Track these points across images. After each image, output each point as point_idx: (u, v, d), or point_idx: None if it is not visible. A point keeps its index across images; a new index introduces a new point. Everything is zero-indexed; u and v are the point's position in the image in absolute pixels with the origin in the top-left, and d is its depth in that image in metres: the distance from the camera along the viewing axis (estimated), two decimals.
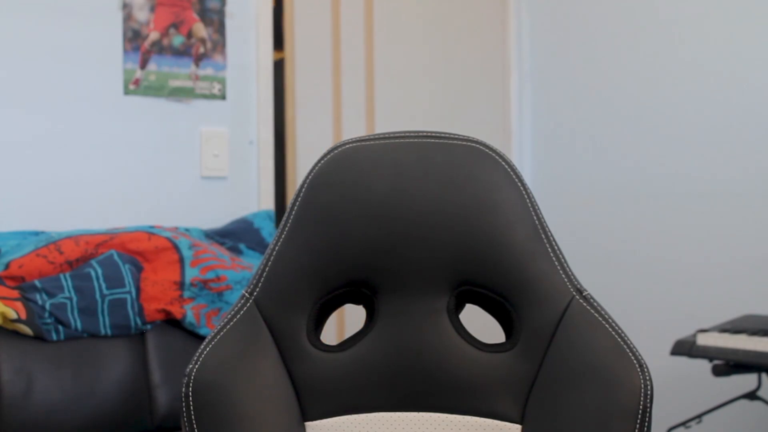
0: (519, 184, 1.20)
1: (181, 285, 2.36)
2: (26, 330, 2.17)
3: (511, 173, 1.20)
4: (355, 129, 3.14)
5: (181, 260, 2.39)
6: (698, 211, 2.79)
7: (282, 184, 3.22)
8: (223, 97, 2.80)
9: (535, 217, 1.19)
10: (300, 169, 3.08)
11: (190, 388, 1.13)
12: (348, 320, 3.08)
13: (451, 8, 3.31)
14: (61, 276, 2.27)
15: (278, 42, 3.04)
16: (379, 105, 3.18)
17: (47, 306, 2.19)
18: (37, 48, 2.53)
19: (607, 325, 1.15)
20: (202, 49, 2.76)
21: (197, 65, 2.75)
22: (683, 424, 2.37)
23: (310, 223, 1.20)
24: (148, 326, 2.33)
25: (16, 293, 2.20)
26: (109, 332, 2.27)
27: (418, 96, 3.25)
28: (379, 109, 3.17)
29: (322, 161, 1.22)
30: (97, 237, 2.38)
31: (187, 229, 2.57)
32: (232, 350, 1.16)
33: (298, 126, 3.08)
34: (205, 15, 2.77)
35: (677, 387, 2.74)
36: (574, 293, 1.17)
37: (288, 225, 1.20)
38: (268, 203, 2.87)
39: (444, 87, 3.29)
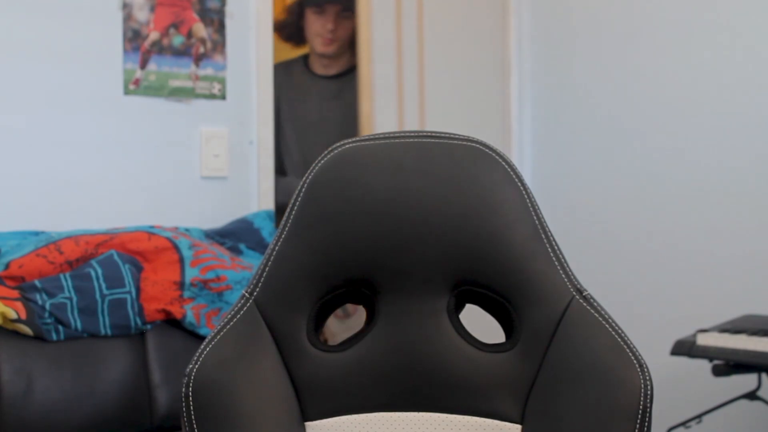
0: (519, 183, 1.20)
1: (181, 285, 2.36)
2: (26, 330, 2.17)
3: (511, 173, 1.20)
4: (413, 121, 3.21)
5: (181, 260, 2.39)
6: (698, 211, 2.79)
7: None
8: (223, 97, 2.80)
9: (535, 217, 1.19)
10: None
11: (190, 388, 1.13)
12: None
13: (451, 8, 3.31)
14: (61, 276, 2.27)
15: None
16: (428, 100, 3.24)
17: (47, 306, 2.19)
18: (37, 48, 2.53)
19: (607, 325, 1.15)
20: (202, 49, 2.76)
21: (197, 65, 2.75)
22: (683, 424, 2.37)
23: (310, 223, 1.20)
24: (148, 326, 2.33)
25: (16, 293, 2.20)
26: (109, 332, 2.27)
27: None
28: (429, 104, 3.23)
29: (322, 161, 1.21)
30: (97, 237, 2.38)
31: (187, 229, 2.57)
32: (232, 350, 1.16)
33: (376, 119, 3.10)
34: (205, 15, 2.77)
35: (677, 387, 2.74)
36: (574, 293, 1.17)
37: (288, 225, 1.20)
38: (268, 203, 2.87)
39: (444, 87, 3.29)
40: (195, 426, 1.12)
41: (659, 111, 2.90)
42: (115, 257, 2.33)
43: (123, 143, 2.65)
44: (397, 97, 3.22)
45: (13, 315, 2.14)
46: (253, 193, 2.86)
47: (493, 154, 1.21)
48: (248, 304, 1.19)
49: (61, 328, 2.21)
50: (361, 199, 1.19)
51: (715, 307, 2.65)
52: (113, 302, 2.27)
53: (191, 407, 1.12)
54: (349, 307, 3.41)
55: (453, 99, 3.31)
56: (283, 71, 2.75)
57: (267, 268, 1.19)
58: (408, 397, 1.19)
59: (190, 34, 2.74)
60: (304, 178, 1.22)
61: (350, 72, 3.37)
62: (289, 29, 2.99)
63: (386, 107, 3.20)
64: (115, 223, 2.57)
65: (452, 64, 3.31)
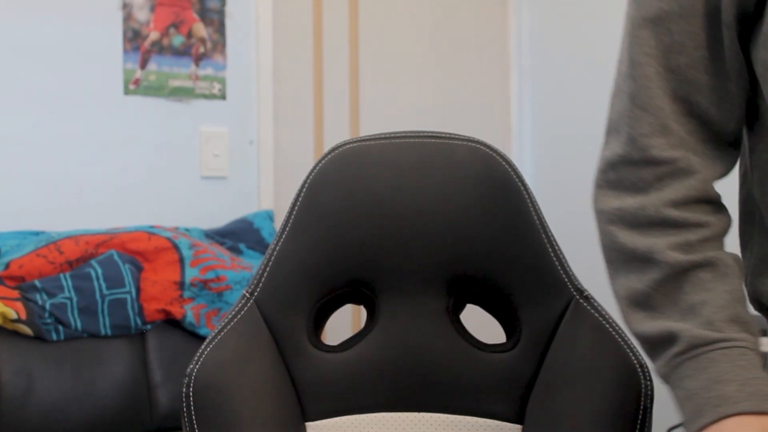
0: (519, 183, 1.20)
1: (181, 285, 2.36)
2: (26, 330, 2.17)
3: (512, 173, 1.20)
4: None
5: (181, 260, 2.39)
6: None
7: None
8: (223, 97, 2.80)
9: (535, 217, 1.19)
10: None
11: (191, 388, 1.13)
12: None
13: (451, 8, 3.31)
14: (61, 276, 2.27)
15: None
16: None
17: (47, 306, 2.19)
18: (37, 48, 2.53)
19: (607, 325, 1.15)
20: (202, 49, 2.76)
21: (197, 65, 2.75)
22: (683, 424, 2.36)
23: (310, 223, 1.20)
24: (148, 326, 2.33)
25: (16, 293, 2.20)
26: (109, 332, 2.27)
27: (417, 96, 3.25)
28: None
29: (323, 161, 1.22)
30: (97, 237, 2.38)
31: (187, 229, 2.57)
32: (233, 350, 1.16)
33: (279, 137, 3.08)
34: (205, 15, 2.77)
35: None
36: (574, 293, 1.17)
37: (289, 225, 1.20)
38: (268, 203, 2.87)
39: (444, 87, 3.29)
40: (195, 426, 1.12)
41: None
42: (115, 257, 2.33)
43: (123, 143, 2.65)
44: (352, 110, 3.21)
45: (13, 315, 2.14)
46: (253, 193, 2.86)
47: (494, 154, 1.21)
48: (249, 304, 1.19)
49: (61, 328, 2.21)
50: (362, 200, 1.19)
51: None
52: (113, 302, 2.28)
53: (192, 407, 1.12)
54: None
55: (453, 99, 3.31)
56: None
57: (268, 268, 1.19)
58: (408, 397, 1.19)
59: (190, 34, 2.74)
60: (305, 178, 1.22)
61: None
62: None
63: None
64: (115, 223, 2.57)
65: (452, 64, 3.31)
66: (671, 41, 0.95)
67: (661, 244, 0.95)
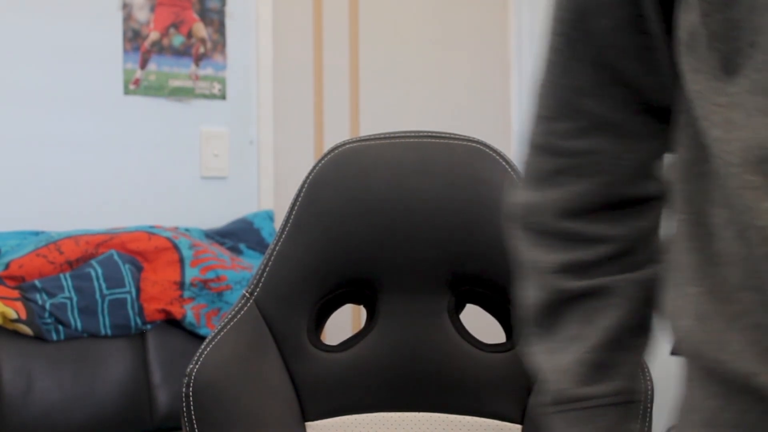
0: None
1: (181, 285, 2.36)
2: (26, 330, 2.17)
3: (512, 173, 1.20)
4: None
5: (181, 260, 2.39)
6: None
7: None
8: (223, 97, 2.80)
9: None
10: None
11: (191, 388, 1.13)
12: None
13: (451, 8, 3.31)
14: (61, 276, 2.27)
15: None
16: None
17: (47, 306, 2.19)
18: (37, 48, 2.53)
19: None
20: (202, 49, 2.76)
21: (197, 65, 2.75)
22: None
23: (310, 223, 1.20)
24: (148, 326, 2.33)
25: (16, 293, 2.20)
26: (109, 332, 2.27)
27: (417, 96, 3.25)
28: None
29: (323, 161, 1.22)
30: (97, 237, 2.38)
31: (187, 229, 2.57)
32: (233, 350, 1.16)
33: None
34: (205, 15, 2.77)
35: (677, 387, 2.74)
36: None
37: (288, 225, 1.20)
38: (268, 203, 2.87)
39: (444, 87, 3.29)
40: (195, 426, 1.12)
41: None
42: (115, 257, 2.33)
43: (123, 143, 2.65)
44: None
45: (13, 315, 2.14)
46: (253, 193, 2.86)
47: (494, 154, 1.21)
48: (249, 304, 1.19)
49: (61, 328, 2.21)
50: (362, 199, 1.19)
51: None
52: (113, 302, 2.28)
53: (192, 407, 1.12)
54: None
55: (453, 99, 3.31)
56: None
57: (268, 268, 1.19)
58: (408, 397, 1.19)
59: (190, 34, 2.74)
60: (305, 178, 1.22)
61: None
62: None
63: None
64: (115, 223, 2.57)
65: (452, 64, 3.31)
66: (590, 2, 0.79)
67: (545, 263, 0.82)
